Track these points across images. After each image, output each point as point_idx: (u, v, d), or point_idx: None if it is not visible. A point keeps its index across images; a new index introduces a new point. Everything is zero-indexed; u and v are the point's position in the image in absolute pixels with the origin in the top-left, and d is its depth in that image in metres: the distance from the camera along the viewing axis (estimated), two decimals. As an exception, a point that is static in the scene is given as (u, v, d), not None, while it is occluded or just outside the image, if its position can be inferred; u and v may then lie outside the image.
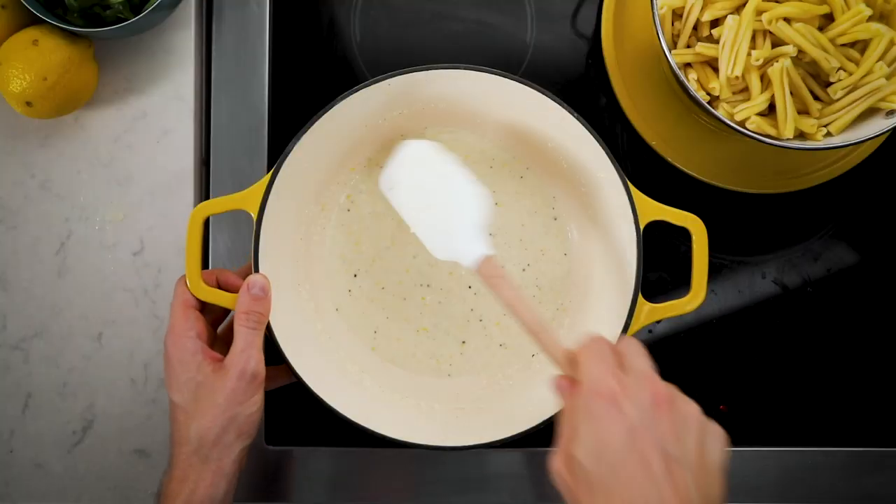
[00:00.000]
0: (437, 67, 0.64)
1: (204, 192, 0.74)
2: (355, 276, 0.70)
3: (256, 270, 0.63)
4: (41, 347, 0.72)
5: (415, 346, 0.70)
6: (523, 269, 0.70)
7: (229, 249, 0.72)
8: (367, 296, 0.70)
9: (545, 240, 0.70)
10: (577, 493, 0.48)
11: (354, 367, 0.69)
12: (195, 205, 0.72)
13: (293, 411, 0.72)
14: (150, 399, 0.71)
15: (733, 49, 0.63)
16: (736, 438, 0.71)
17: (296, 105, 0.74)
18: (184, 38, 0.73)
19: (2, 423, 0.71)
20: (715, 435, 0.49)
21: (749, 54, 0.63)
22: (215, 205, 0.63)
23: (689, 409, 0.49)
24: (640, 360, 0.52)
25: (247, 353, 0.59)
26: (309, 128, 0.64)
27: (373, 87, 0.64)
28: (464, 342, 0.70)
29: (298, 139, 0.64)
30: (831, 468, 0.73)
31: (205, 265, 0.71)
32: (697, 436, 0.48)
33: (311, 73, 0.75)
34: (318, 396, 0.64)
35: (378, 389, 0.68)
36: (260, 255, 0.63)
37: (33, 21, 0.68)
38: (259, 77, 0.73)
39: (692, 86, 0.64)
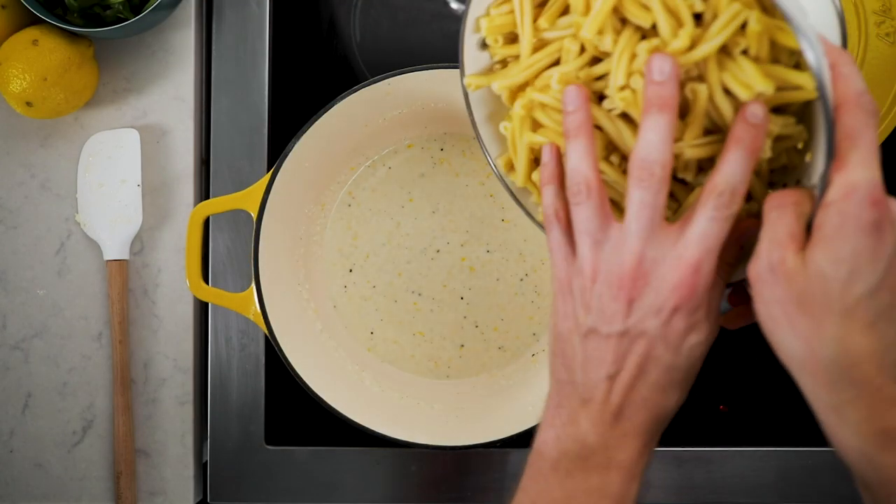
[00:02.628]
0: (437, 67, 0.64)
1: (204, 192, 0.74)
2: (350, 270, 0.70)
3: (256, 270, 0.63)
4: (41, 347, 0.72)
5: (412, 349, 0.70)
6: (521, 279, 0.70)
7: (229, 249, 0.72)
8: (360, 293, 0.70)
9: (545, 251, 0.70)
10: (814, 301, 0.41)
11: (354, 367, 0.69)
12: (195, 205, 0.72)
13: (293, 411, 0.72)
14: (150, 399, 0.71)
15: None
16: (736, 438, 0.71)
17: (296, 105, 0.74)
18: (184, 38, 0.73)
19: (2, 423, 0.71)
20: None
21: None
22: (215, 205, 0.64)
23: None
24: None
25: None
26: (309, 128, 0.64)
27: (373, 87, 0.64)
28: (462, 346, 0.70)
29: (298, 139, 0.64)
30: (831, 468, 0.73)
31: (205, 265, 0.71)
32: None
33: (311, 73, 0.75)
34: (318, 396, 0.64)
35: (378, 389, 0.68)
36: (260, 255, 0.64)
37: (33, 21, 0.68)
38: (259, 77, 0.73)
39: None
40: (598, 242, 0.45)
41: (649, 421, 0.46)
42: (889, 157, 0.74)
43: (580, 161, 0.45)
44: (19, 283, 0.72)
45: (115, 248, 0.71)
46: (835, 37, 0.48)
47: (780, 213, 0.43)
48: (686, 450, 0.70)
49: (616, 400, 0.45)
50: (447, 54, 0.75)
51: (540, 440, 0.48)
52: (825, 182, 0.42)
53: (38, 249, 0.72)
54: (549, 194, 0.48)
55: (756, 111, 0.43)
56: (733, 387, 0.75)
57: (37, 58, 0.66)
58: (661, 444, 0.70)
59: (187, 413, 0.71)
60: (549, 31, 0.49)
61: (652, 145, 0.43)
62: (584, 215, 0.45)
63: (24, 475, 0.71)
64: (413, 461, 0.72)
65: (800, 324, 0.41)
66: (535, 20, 0.49)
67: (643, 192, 0.43)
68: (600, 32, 0.46)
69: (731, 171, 0.43)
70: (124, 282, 0.70)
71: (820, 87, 0.41)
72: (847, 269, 0.40)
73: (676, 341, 0.44)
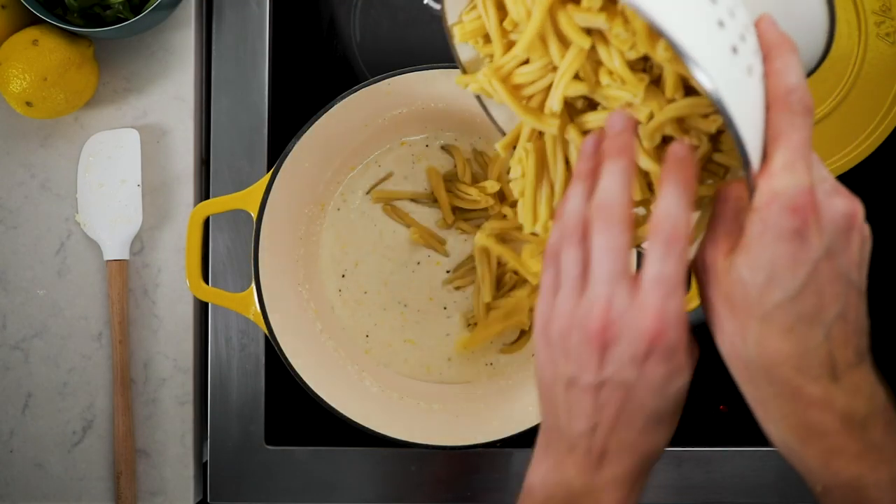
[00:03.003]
0: (437, 67, 0.64)
1: (204, 192, 0.74)
2: (343, 276, 0.70)
3: (256, 270, 0.63)
4: (41, 347, 0.72)
5: (405, 353, 0.71)
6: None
7: (229, 249, 0.72)
8: (354, 298, 0.70)
9: None
10: (735, 305, 0.42)
11: (354, 367, 0.69)
12: (195, 205, 0.72)
13: (293, 411, 0.72)
14: (150, 399, 0.71)
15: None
16: (736, 438, 0.71)
17: (296, 105, 0.74)
18: (184, 38, 0.73)
19: (2, 423, 0.71)
20: (866, 238, 0.43)
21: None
22: (215, 205, 0.64)
23: (867, 225, 0.43)
24: (821, 163, 0.43)
25: None
26: (309, 128, 0.64)
27: (373, 87, 0.64)
28: (449, 359, 0.70)
29: (298, 139, 0.64)
30: (831, 468, 0.73)
31: (205, 265, 0.71)
32: (867, 254, 0.43)
33: (311, 73, 0.75)
34: (318, 396, 0.64)
35: (378, 389, 0.68)
36: (260, 255, 0.64)
37: (33, 21, 0.68)
38: (259, 77, 0.73)
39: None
40: (577, 289, 0.44)
41: (636, 464, 0.46)
42: (889, 157, 0.74)
43: (579, 202, 0.45)
44: (19, 283, 0.72)
45: (115, 248, 0.71)
46: (820, 20, 0.47)
47: (721, 206, 0.43)
48: (686, 450, 0.70)
49: (599, 449, 0.45)
50: (447, 54, 0.75)
51: (528, 483, 0.48)
52: (751, 186, 0.41)
53: (38, 249, 0.72)
54: (555, 233, 0.46)
55: (676, 150, 0.43)
56: (733, 387, 0.75)
57: (37, 58, 0.66)
58: (661, 444, 0.71)
59: (187, 413, 0.71)
60: (513, 33, 0.50)
61: (608, 191, 0.43)
62: (571, 258, 0.44)
63: (24, 475, 0.71)
64: (413, 461, 0.72)
65: (726, 322, 0.42)
66: (500, 22, 0.50)
67: (603, 238, 0.43)
68: (532, 49, 0.47)
69: (667, 205, 0.42)
70: (124, 282, 0.70)
71: (718, 105, 0.39)
72: (764, 276, 0.40)
73: (660, 387, 0.44)
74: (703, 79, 0.38)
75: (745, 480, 0.72)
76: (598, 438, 0.44)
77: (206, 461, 0.72)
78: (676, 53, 0.39)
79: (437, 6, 0.68)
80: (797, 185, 0.40)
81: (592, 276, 0.43)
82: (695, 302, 0.63)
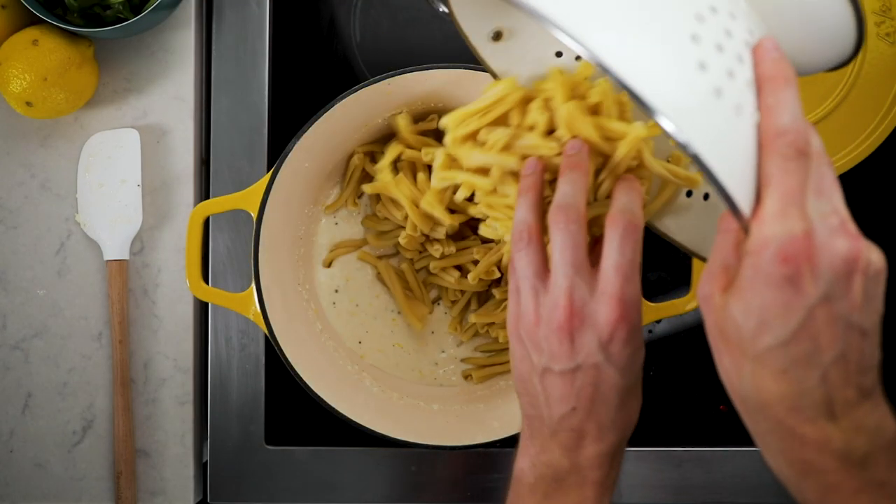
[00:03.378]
0: (437, 67, 0.64)
1: (204, 192, 0.74)
2: (336, 291, 0.71)
3: (256, 270, 0.63)
4: (41, 347, 0.72)
5: (397, 358, 0.71)
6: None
7: (229, 249, 0.72)
8: (347, 309, 0.71)
9: None
10: (727, 343, 0.41)
11: (354, 368, 0.69)
12: (195, 205, 0.72)
13: (293, 411, 0.72)
14: (150, 399, 0.71)
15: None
16: (736, 438, 0.71)
17: (296, 105, 0.74)
18: (184, 38, 0.73)
19: (2, 423, 0.71)
20: (883, 285, 0.41)
21: None
22: (215, 205, 0.64)
23: (877, 258, 0.40)
24: (833, 192, 0.41)
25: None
26: (309, 128, 0.64)
27: (373, 87, 0.64)
28: (436, 364, 0.71)
29: (298, 139, 0.64)
30: (831, 468, 0.73)
31: (205, 265, 0.71)
32: (880, 293, 0.41)
33: (311, 73, 0.75)
34: (318, 396, 0.64)
35: (378, 389, 0.68)
36: (260, 255, 0.64)
37: (33, 21, 0.68)
38: (259, 77, 0.73)
39: None
40: (535, 288, 0.47)
41: (617, 439, 0.48)
42: (889, 157, 0.74)
43: (525, 212, 0.48)
44: (19, 283, 0.72)
45: (115, 248, 0.71)
46: (848, 32, 0.45)
47: (722, 238, 0.42)
48: (686, 450, 0.70)
49: (579, 429, 0.48)
50: (447, 54, 0.75)
51: (518, 468, 0.51)
52: (745, 228, 0.40)
53: (38, 249, 0.72)
54: (518, 252, 0.49)
55: (574, 144, 0.48)
56: (733, 387, 0.75)
57: (37, 58, 0.66)
58: (661, 444, 0.71)
59: (187, 413, 0.71)
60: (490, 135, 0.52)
61: (566, 195, 0.46)
62: (523, 262, 0.48)
63: (24, 475, 0.71)
64: (413, 461, 0.72)
65: (724, 356, 0.42)
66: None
67: (562, 234, 0.46)
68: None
69: (622, 203, 0.46)
70: (124, 282, 0.70)
71: (694, 160, 0.37)
72: (755, 320, 0.40)
73: (626, 365, 0.47)
74: (678, 135, 0.37)
75: (745, 480, 0.72)
76: (577, 419, 0.47)
77: (206, 461, 0.72)
78: (645, 111, 0.37)
79: (443, 9, 0.67)
80: (788, 232, 0.38)
81: (554, 269, 0.46)
82: (694, 304, 0.63)
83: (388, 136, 0.69)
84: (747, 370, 0.41)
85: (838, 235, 0.39)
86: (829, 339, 0.39)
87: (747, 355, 0.41)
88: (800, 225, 0.39)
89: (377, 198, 0.69)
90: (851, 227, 0.40)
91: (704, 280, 0.43)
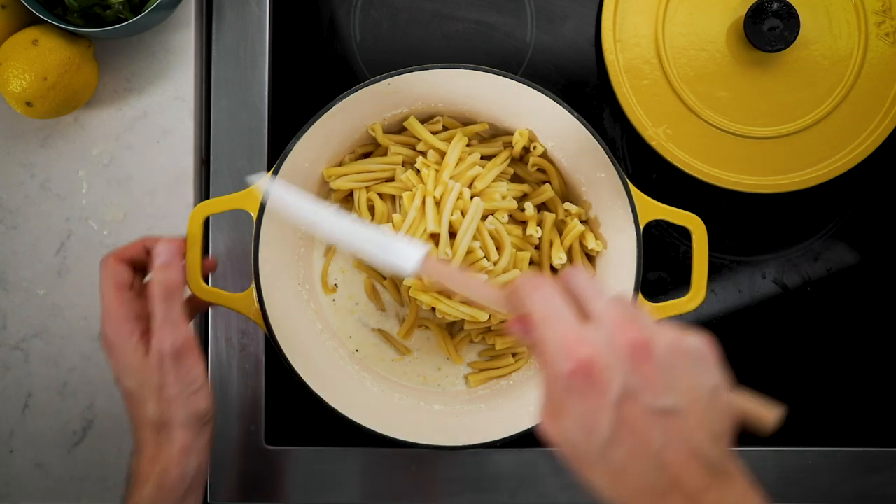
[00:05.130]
0: (437, 67, 0.64)
1: (204, 192, 0.74)
2: (335, 289, 0.71)
3: (256, 270, 0.63)
4: (41, 347, 0.72)
5: (404, 367, 0.71)
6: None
7: (229, 249, 0.72)
8: (346, 307, 0.71)
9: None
10: (575, 461, 0.45)
11: (355, 368, 0.69)
12: (195, 205, 0.72)
13: (293, 411, 0.72)
14: (150, 399, 0.71)
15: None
16: (736, 438, 0.71)
17: (296, 105, 0.74)
18: (184, 38, 0.73)
19: (2, 423, 0.71)
20: (700, 358, 0.44)
21: None
22: (215, 204, 0.63)
23: (666, 340, 0.44)
24: (596, 298, 0.46)
25: (162, 331, 0.56)
26: (309, 128, 0.64)
27: (373, 86, 0.64)
28: (439, 368, 0.71)
29: (298, 139, 0.64)
30: (831, 468, 0.73)
31: (205, 265, 0.71)
32: (686, 369, 0.44)
33: (311, 73, 0.75)
34: (318, 396, 0.64)
35: (378, 389, 0.68)
36: (260, 255, 0.64)
37: (33, 21, 0.68)
38: (259, 77, 0.73)
39: None
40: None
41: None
42: (889, 157, 0.74)
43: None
44: (19, 283, 0.72)
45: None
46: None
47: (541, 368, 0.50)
48: (686, 450, 0.70)
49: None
50: (447, 54, 0.75)
51: None
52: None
53: (38, 249, 0.72)
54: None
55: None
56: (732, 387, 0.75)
57: (37, 58, 0.66)
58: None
59: (187, 413, 0.71)
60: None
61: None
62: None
63: (24, 475, 0.71)
64: (413, 461, 0.72)
65: (583, 473, 0.45)
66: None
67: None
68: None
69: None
70: (124, 282, 0.70)
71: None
72: (582, 432, 0.44)
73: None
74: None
75: (745, 480, 0.72)
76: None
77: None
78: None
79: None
80: (562, 340, 0.44)
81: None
82: (693, 303, 0.63)
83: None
84: (595, 479, 0.44)
85: (620, 331, 0.44)
86: (646, 430, 0.43)
87: (592, 464, 0.44)
88: (573, 334, 0.44)
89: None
90: (636, 319, 0.45)
91: (540, 415, 0.46)
